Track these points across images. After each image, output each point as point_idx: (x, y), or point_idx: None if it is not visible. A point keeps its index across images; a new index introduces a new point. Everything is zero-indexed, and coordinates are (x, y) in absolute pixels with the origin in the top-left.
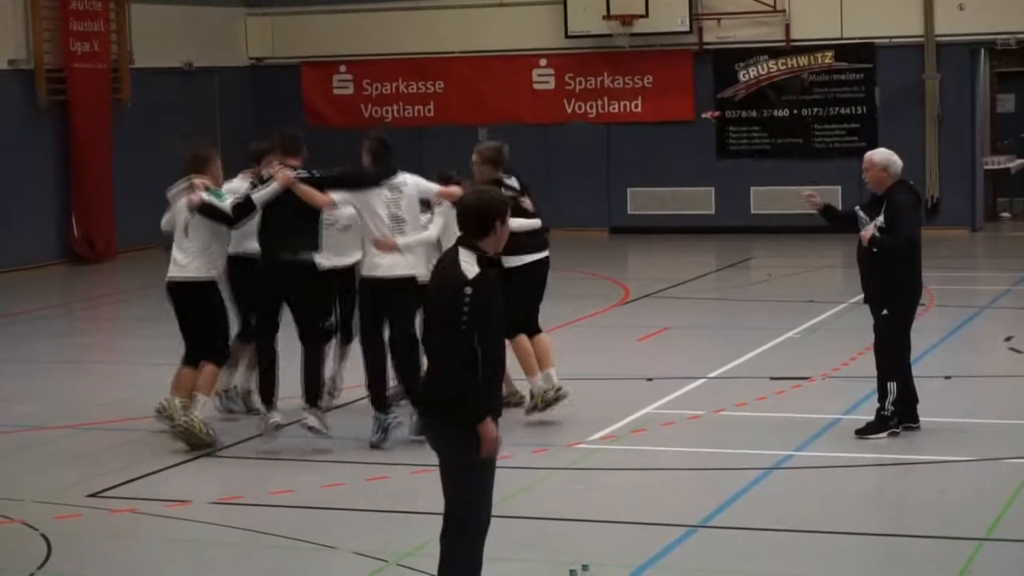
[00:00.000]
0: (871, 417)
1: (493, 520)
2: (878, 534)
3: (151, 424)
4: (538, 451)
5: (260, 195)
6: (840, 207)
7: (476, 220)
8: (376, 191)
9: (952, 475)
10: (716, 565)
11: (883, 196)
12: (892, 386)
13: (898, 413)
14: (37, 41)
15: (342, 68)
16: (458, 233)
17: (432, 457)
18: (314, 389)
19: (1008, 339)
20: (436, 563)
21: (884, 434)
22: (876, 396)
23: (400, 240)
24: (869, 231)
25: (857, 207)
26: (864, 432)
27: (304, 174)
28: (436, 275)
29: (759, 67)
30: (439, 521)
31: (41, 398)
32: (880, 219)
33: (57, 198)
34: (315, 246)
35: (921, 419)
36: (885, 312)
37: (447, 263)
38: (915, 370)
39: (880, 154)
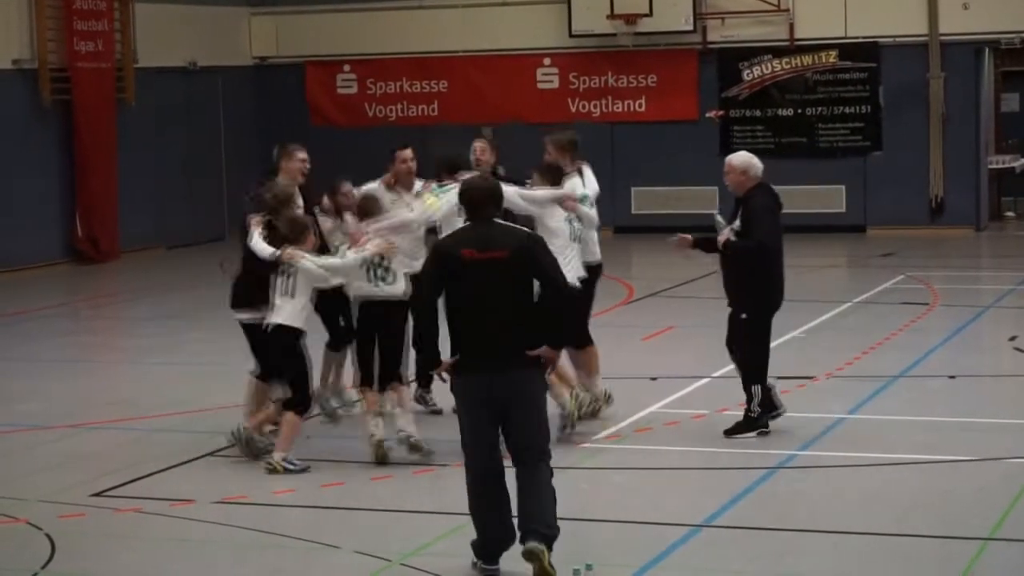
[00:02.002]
0: (875, 416)
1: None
2: (882, 534)
3: (155, 423)
4: None
5: None
6: (844, 207)
7: (496, 199)
8: None
9: (956, 475)
10: (720, 565)
11: (741, 199)
12: (756, 389)
13: (766, 413)
14: (41, 40)
15: (346, 67)
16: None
17: (439, 457)
18: None
19: (1012, 339)
20: (440, 563)
21: (753, 434)
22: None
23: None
24: (724, 235)
25: (714, 212)
26: (732, 432)
27: None
28: (497, 245)
29: (763, 66)
30: (443, 520)
31: (45, 397)
32: (737, 223)
33: (61, 197)
34: None
35: (925, 418)
36: (744, 316)
37: (498, 234)
38: (919, 369)
39: (739, 157)
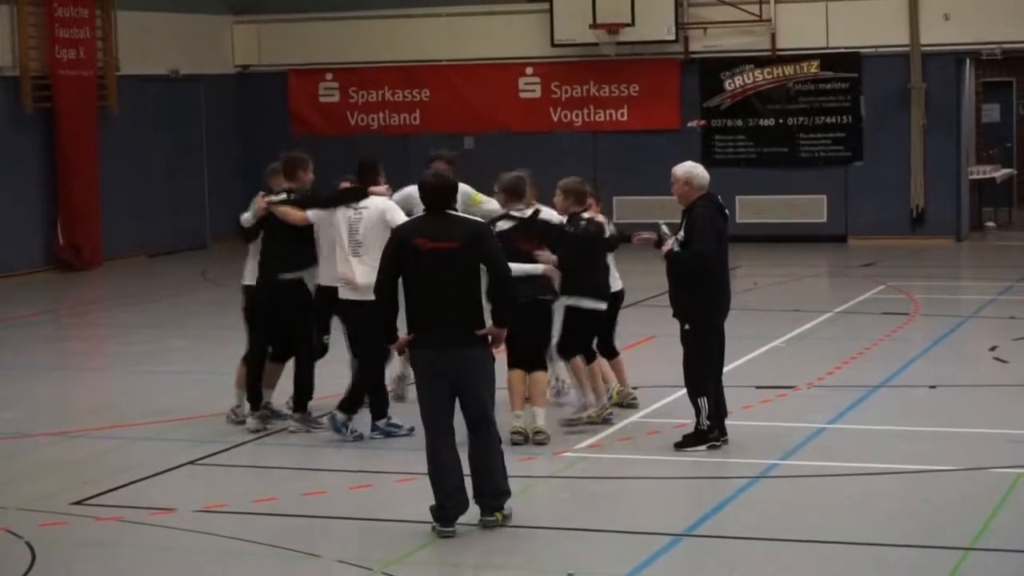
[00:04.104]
0: (856, 426)
1: (481, 529)
2: (863, 543)
3: (136, 432)
4: (524, 459)
5: (243, 218)
6: (826, 217)
7: (449, 193)
8: (342, 210)
9: (937, 484)
10: (701, 574)
11: (686, 210)
12: (702, 402)
13: (716, 426)
14: (23, 48)
15: (328, 76)
16: None
17: (420, 466)
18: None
19: (993, 348)
20: (422, 571)
21: (703, 447)
22: (693, 412)
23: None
24: (667, 246)
25: (661, 221)
26: (682, 445)
27: (282, 197)
28: (447, 236)
29: (745, 76)
30: (425, 529)
31: (27, 404)
32: (681, 233)
33: (43, 205)
34: (305, 265)
35: (906, 428)
36: (687, 327)
37: (450, 226)
38: (899, 379)
39: (683, 168)
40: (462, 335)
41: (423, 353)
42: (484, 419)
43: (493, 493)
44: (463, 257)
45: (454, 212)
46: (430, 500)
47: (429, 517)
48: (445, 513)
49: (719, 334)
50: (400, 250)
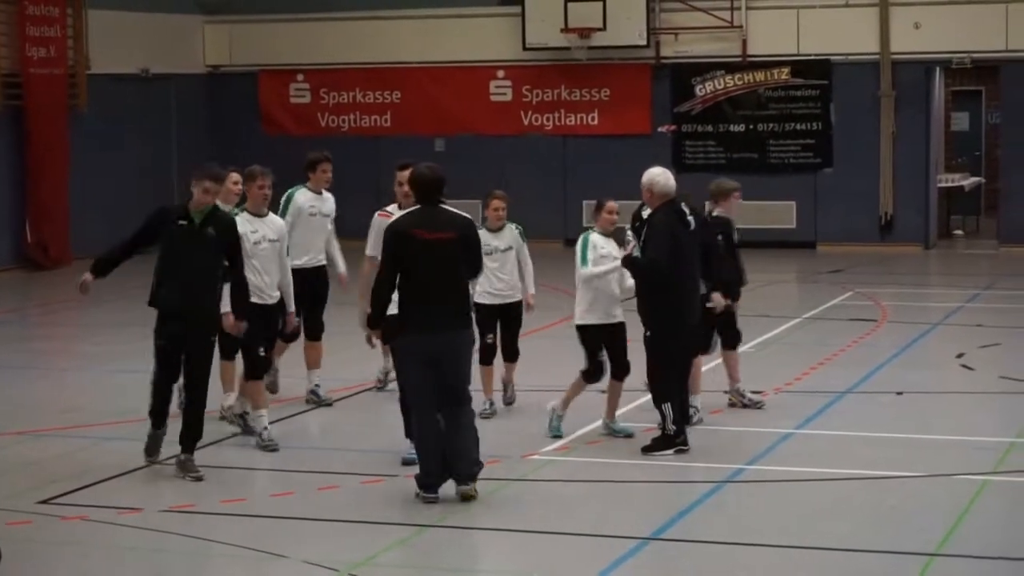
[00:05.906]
0: (823, 432)
1: (447, 531)
2: (829, 548)
3: (104, 431)
4: (492, 462)
5: None
6: (795, 223)
7: (441, 185)
8: None
9: (903, 490)
10: None
11: (648, 217)
12: (667, 408)
13: (683, 430)
14: None
15: (299, 77)
16: None
17: (386, 467)
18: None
19: (960, 356)
20: (387, 573)
21: (670, 451)
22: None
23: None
24: (627, 251)
25: (626, 226)
26: (649, 449)
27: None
28: (443, 227)
29: (716, 82)
30: (390, 530)
31: None
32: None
33: (11, 203)
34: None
35: (873, 434)
36: (648, 333)
37: (444, 217)
38: (867, 385)
39: (647, 174)
40: (454, 319)
41: (417, 338)
42: (463, 393)
43: (468, 463)
44: (456, 247)
45: (443, 205)
46: (397, 502)
47: (396, 519)
48: (430, 480)
49: (687, 339)
50: (399, 243)
